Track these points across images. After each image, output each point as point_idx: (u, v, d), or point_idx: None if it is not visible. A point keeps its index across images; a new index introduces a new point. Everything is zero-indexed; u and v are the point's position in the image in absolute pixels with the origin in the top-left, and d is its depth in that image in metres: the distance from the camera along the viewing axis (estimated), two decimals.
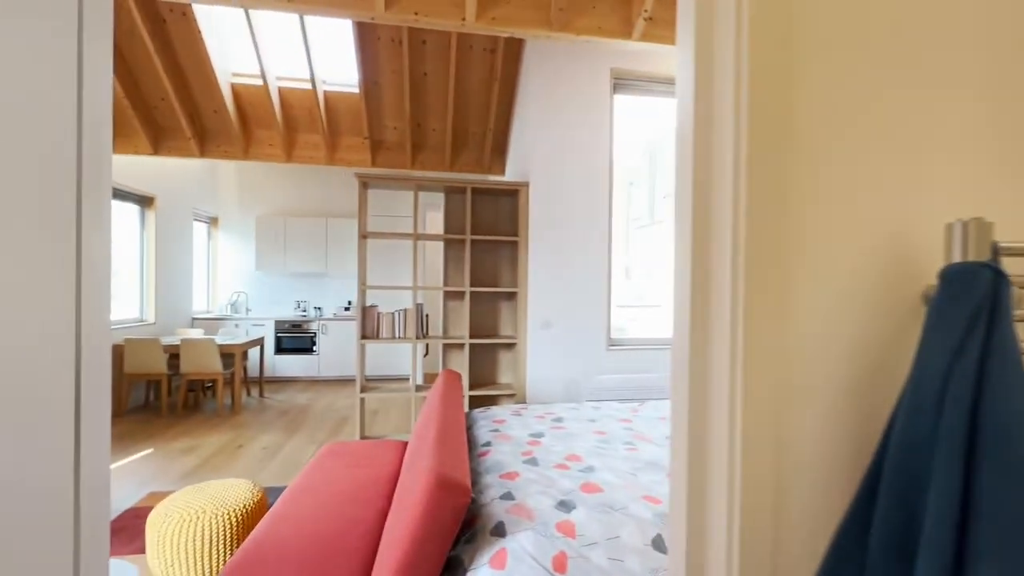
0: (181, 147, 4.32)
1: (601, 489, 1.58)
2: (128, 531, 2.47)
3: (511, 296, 3.93)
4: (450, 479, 1.23)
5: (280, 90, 4.24)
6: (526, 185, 3.69)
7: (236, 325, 6.20)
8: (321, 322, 6.38)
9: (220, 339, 4.99)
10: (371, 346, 6.38)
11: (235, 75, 4.17)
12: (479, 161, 4.81)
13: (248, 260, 6.79)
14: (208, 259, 6.72)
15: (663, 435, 2.19)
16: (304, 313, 6.83)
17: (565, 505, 1.47)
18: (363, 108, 4.30)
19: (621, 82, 3.84)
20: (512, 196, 3.91)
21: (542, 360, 3.71)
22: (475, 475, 1.76)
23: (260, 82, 4.14)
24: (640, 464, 1.81)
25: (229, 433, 4.16)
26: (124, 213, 5.01)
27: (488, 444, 2.04)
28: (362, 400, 3.65)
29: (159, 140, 4.30)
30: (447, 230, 3.87)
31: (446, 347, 3.92)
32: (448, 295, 3.92)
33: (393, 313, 3.66)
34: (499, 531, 1.36)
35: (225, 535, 2.11)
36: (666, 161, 4.89)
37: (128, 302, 5.14)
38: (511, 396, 3.80)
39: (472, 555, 1.32)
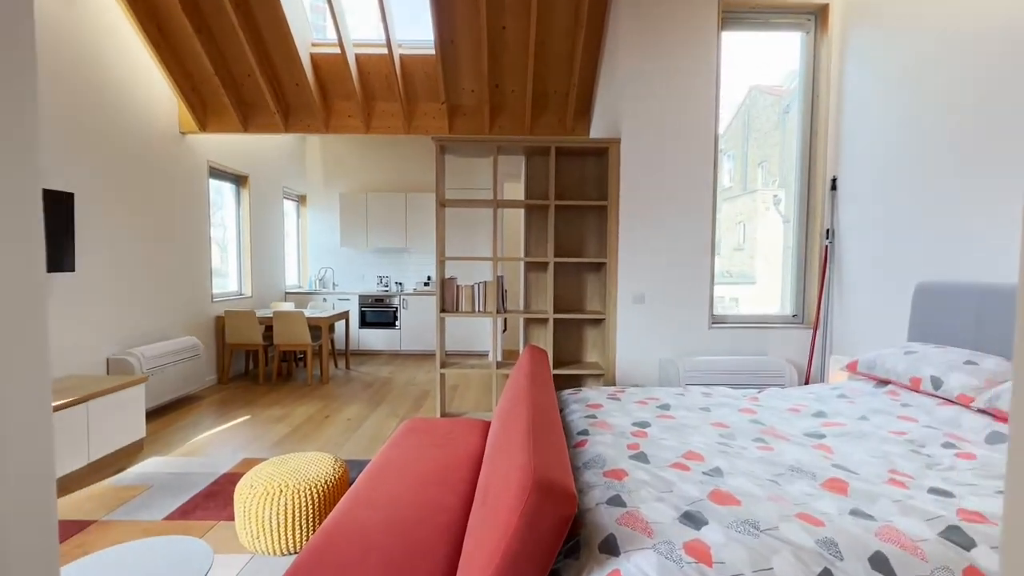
0: (268, 123, 4.39)
1: (737, 500, 1.24)
2: (222, 496, 2.52)
3: (597, 267, 3.58)
4: (554, 484, 0.96)
5: (357, 57, 4.14)
6: (616, 142, 3.29)
7: (324, 299, 6.42)
8: (402, 297, 6.42)
9: (308, 312, 5.15)
10: (451, 321, 6.34)
11: (314, 44, 4.12)
12: (561, 123, 4.44)
13: (333, 237, 6.99)
14: (298, 235, 7.00)
15: (801, 431, 1.77)
16: (386, 288, 6.93)
17: (692, 519, 1.16)
18: (439, 70, 4.08)
19: (732, 15, 3.27)
20: (600, 156, 3.52)
21: (633, 338, 3.35)
22: (573, 471, 1.49)
23: (338, 50, 4.06)
24: (781, 469, 1.44)
25: (317, 403, 4.26)
26: (222, 192, 5.27)
27: (585, 433, 1.76)
28: (442, 376, 3.52)
29: (248, 117, 4.39)
30: (528, 196, 3.59)
31: (528, 322, 3.68)
32: (530, 267, 3.66)
33: (473, 286, 3.46)
34: (610, 547, 1.08)
35: (307, 510, 2.05)
36: (766, 117, 4.20)
37: (230, 276, 5.45)
38: (598, 376, 3.49)
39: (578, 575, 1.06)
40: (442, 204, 3.41)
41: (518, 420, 1.41)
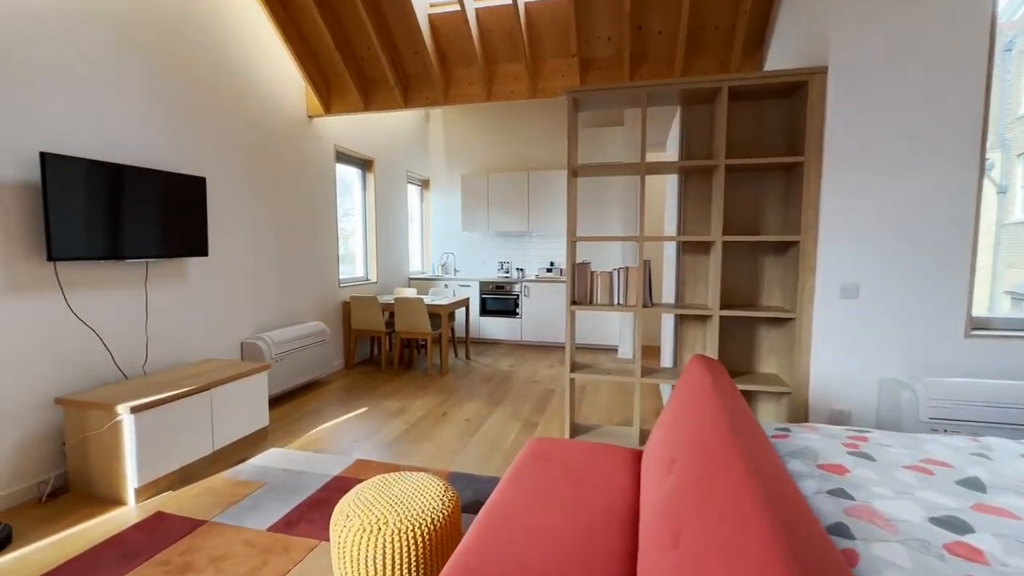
0: (387, 99, 4.15)
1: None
2: (328, 507, 2.24)
3: (782, 248, 2.68)
4: None
5: (477, 12, 3.66)
6: (821, 72, 2.34)
7: (445, 285, 6.24)
8: (524, 284, 5.98)
9: (429, 299, 4.93)
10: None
11: (431, 5, 3.73)
12: (722, 66, 3.51)
13: (455, 220, 6.79)
14: (421, 220, 6.93)
15: None
16: (507, 275, 6.56)
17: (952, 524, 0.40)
18: (571, 17, 3.43)
19: None
20: (788, 98, 2.59)
21: (839, 346, 2.42)
22: None
23: (457, 7, 3.62)
24: None
25: (435, 397, 3.98)
26: (349, 176, 5.26)
27: (845, 534, 1.02)
28: (572, 380, 2.94)
29: (369, 94, 4.20)
30: (685, 156, 2.80)
31: (681, 320, 2.92)
32: (685, 249, 2.88)
33: (611, 273, 2.81)
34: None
35: (410, 554, 1.61)
36: None
37: (356, 262, 5.47)
38: (780, 395, 2.62)
39: None
40: (574, 173, 2.79)
41: (727, 481, 0.76)
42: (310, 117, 4.34)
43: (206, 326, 3.31)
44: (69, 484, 2.40)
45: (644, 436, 2.80)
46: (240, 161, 3.58)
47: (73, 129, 2.47)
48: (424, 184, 6.90)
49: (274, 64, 3.88)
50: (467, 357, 5.39)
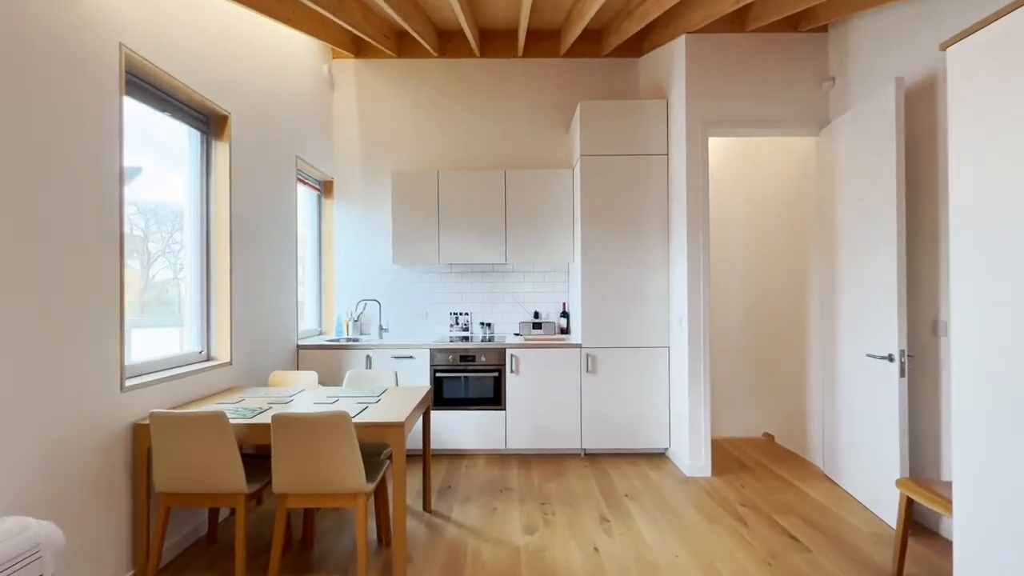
0: None
1: None
2: None
3: None
4: None
5: None
6: None
7: (368, 359, 3.52)
8: (511, 352, 3.53)
9: (355, 402, 2.25)
10: (591, 394, 3.46)
11: None
12: None
13: (380, 248, 4.16)
14: (318, 245, 4.18)
15: None
16: (466, 332, 4.06)
17: None
18: None
19: None
20: None
21: None
22: None
23: None
24: None
25: None
26: (170, 141, 2.46)
27: None
28: None
29: None
30: None
31: None
32: None
33: None
34: None
35: None
36: None
37: (185, 324, 2.59)
38: None
39: None
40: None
41: None
42: None
43: None
44: None
45: None
46: None
47: None
48: (324, 189, 4.21)
49: None
50: (427, 508, 2.71)
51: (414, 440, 3.50)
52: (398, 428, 1.99)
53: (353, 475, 1.91)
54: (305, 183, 3.87)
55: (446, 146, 4.16)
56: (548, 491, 2.94)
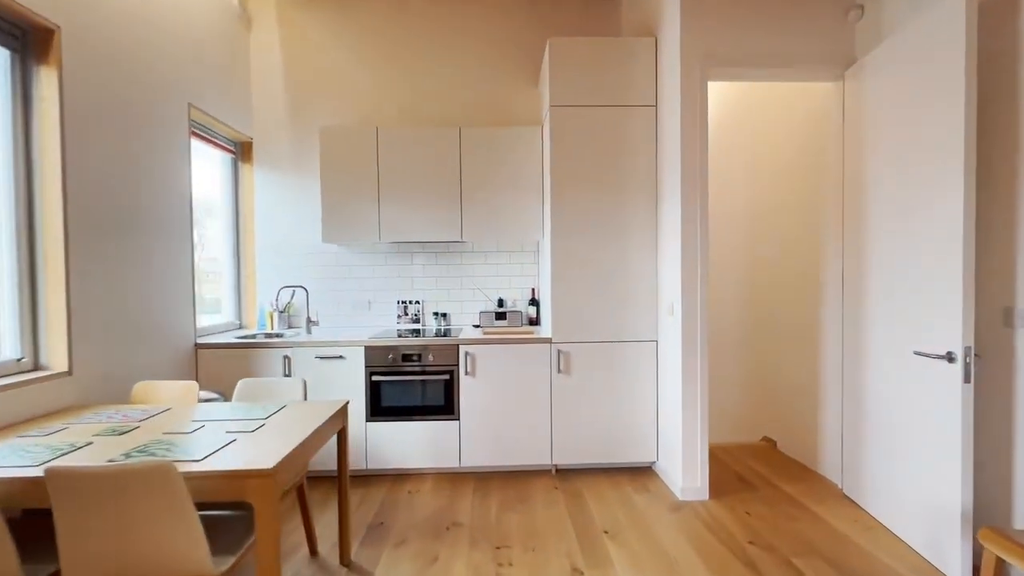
0: None
1: None
2: None
3: None
4: None
5: None
6: None
7: (286, 360, 2.83)
8: (465, 348, 2.87)
9: (237, 423, 1.57)
10: (561, 385, 2.86)
11: None
12: None
13: (308, 224, 3.44)
14: (236, 221, 3.43)
15: None
16: (416, 325, 3.40)
17: None
18: None
19: None
20: None
21: None
22: None
23: None
24: None
25: None
26: None
27: None
28: None
29: None
30: None
31: None
32: None
33: None
34: None
35: None
36: None
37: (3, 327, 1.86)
38: None
39: None
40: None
41: None
42: None
43: None
44: None
45: None
46: None
47: None
48: (241, 151, 3.44)
49: None
50: (344, 560, 2.05)
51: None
52: (263, 480, 1.31)
53: (189, 553, 1.24)
54: (212, 141, 3.12)
55: (388, 98, 3.44)
56: (507, 527, 2.32)
